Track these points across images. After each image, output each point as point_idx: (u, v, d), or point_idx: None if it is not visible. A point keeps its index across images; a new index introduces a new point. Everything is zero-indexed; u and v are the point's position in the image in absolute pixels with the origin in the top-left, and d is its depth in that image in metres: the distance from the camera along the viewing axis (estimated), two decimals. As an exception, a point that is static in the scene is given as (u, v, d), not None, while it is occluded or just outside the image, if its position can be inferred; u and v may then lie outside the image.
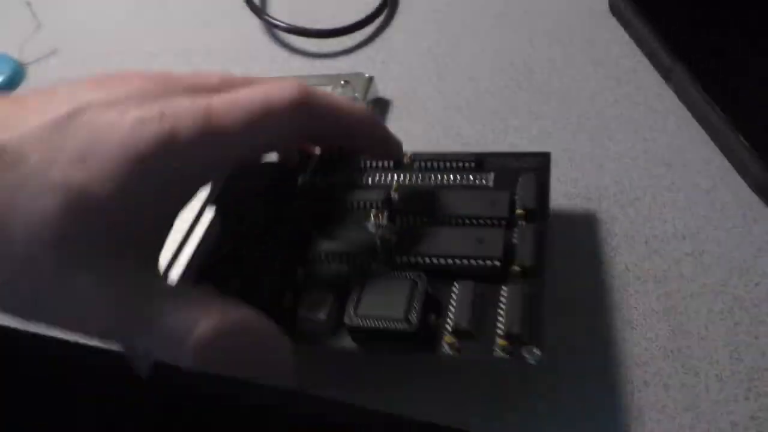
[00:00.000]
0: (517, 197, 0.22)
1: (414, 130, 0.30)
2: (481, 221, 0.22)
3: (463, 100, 0.31)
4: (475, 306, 0.20)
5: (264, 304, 0.19)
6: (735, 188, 0.26)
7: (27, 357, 0.29)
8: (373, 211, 0.23)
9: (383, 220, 0.23)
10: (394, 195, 0.24)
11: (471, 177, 0.24)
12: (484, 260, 0.20)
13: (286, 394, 0.22)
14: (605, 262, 0.24)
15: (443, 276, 0.21)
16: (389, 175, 0.25)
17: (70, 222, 0.17)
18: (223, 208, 0.24)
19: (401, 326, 0.19)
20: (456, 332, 0.19)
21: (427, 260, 0.21)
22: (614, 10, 0.33)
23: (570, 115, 0.30)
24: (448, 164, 0.24)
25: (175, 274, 0.22)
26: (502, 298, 0.20)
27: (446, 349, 0.19)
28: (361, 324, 0.20)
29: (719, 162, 0.27)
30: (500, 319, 0.19)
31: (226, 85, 0.21)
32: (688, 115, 0.28)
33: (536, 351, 0.19)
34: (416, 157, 0.25)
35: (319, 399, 0.22)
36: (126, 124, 0.18)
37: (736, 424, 0.20)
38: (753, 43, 0.29)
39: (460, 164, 0.24)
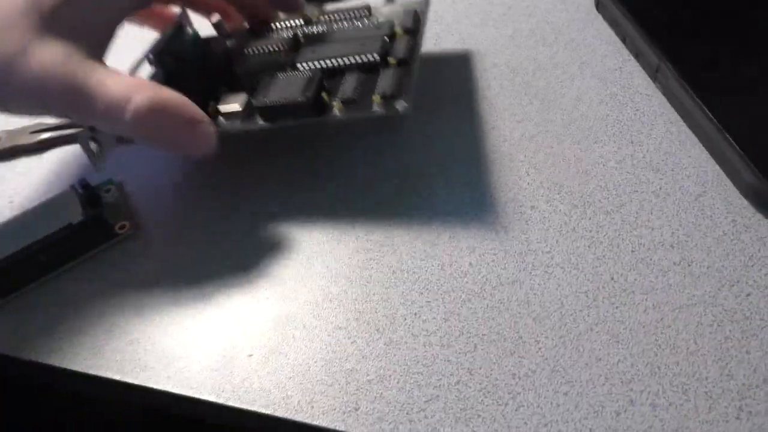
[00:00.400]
0: (396, 24, 0.28)
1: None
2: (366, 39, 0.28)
3: (445, 101, 0.30)
4: (359, 84, 0.26)
5: None
6: (725, 194, 0.25)
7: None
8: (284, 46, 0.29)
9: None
10: (300, 37, 0.30)
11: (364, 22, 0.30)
12: (365, 54, 0.26)
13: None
14: (590, 272, 0.23)
15: (336, 73, 0.27)
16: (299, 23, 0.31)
17: None
18: (163, 63, 0.27)
19: (299, 99, 0.25)
20: (343, 101, 0.25)
21: (322, 63, 0.27)
22: (601, 8, 0.32)
23: (554, 117, 0.28)
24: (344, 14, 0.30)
25: None
26: (379, 78, 0.26)
27: (335, 112, 0.25)
28: (267, 102, 0.25)
29: (709, 167, 0.26)
30: (377, 88, 0.25)
31: None
32: (677, 117, 0.27)
33: (404, 102, 0.24)
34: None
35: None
36: None
37: (727, 446, 0.19)
38: (743, 43, 0.28)
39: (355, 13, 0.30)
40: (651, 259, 0.23)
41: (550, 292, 0.23)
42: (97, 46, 0.24)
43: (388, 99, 0.25)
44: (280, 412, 0.21)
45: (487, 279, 0.23)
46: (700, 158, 0.26)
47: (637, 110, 0.28)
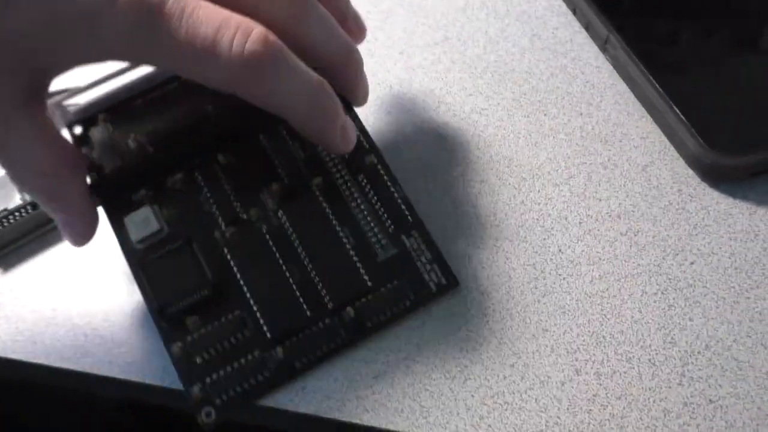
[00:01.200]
0: None
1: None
2: None
3: (393, 77, 0.29)
4: None
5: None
6: (671, 165, 0.25)
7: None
8: None
9: None
10: None
11: None
12: None
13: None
14: (538, 244, 0.23)
15: None
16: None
17: None
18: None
19: None
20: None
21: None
22: (552, -21, 0.31)
23: (504, 90, 0.28)
24: None
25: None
26: None
27: None
28: None
29: (656, 137, 0.26)
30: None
31: None
32: (626, 88, 0.27)
33: None
34: None
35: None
36: None
37: (669, 411, 0.19)
38: (692, 15, 0.28)
39: None
40: (598, 230, 0.23)
41: (498, 266, 0.23)
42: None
43: None
44: None
45: (436, 254, 0.23)
46: (647, 129, 0.26)
47: (587, 82, 0.28)
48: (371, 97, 0.25)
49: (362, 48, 0.25)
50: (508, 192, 0.25)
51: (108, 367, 0.22)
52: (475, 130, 0.27)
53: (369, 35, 0.29)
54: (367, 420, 0.20)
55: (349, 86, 0.22)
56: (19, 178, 0.19)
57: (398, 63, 0.30)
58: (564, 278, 0.22)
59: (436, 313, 0.22)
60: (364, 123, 0.25)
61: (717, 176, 0.24)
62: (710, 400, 0.20)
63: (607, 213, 0.24)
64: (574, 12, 0.30)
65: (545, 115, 0.27)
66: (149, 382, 0.21)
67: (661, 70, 0.26)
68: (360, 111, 0.25)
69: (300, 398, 0.20)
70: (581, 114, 0.27)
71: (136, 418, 0.28)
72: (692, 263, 0.22)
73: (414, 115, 0.28)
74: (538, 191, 0.25)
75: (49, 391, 0.25)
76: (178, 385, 0.20)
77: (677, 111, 0.24)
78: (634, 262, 0.22)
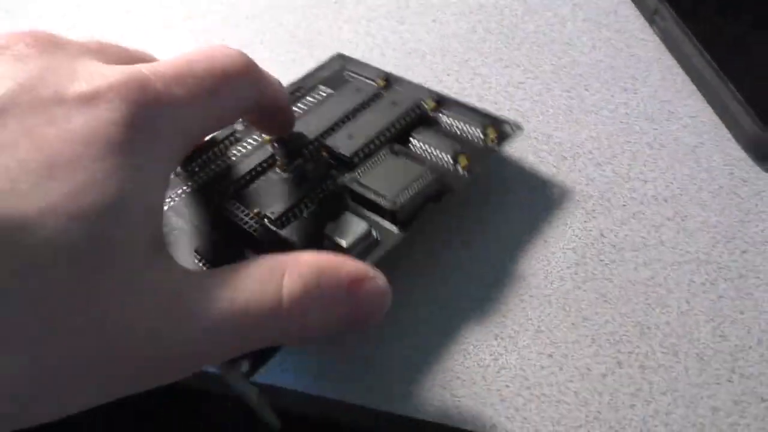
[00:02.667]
0: None
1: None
2: None
3: (425, 46, 0.28)
4: None
5: None
6: (723, 146, 0.23)
7: None
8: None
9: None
10: None
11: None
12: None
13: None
14: (578, 227, 0.22)
15: None
16: None
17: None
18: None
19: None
20: None
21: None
22: (596, -55, 0.30)
23: (543, 62, 0.27)
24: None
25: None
26: None
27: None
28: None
29: (707, 116, 0.24)
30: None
31: (129, 53, 0.17)
32: (674, 63, 0.26)
33: None
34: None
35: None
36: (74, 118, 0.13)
37: (718, 410, 0.18)
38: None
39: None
40: (643, 214, 0.22)
41: (535, 249, 0.21)
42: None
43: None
44: None
45: (470, 236, 0.22)
46: (697, 107, 0.24)
47: (632, 56, 0.26)
48: (403, 64, 0.23)
49: (393, 15, 0.24)
50: (546, 170, 0.23)
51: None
52: (511, 104, 0.25)
53: (400, 1, 0.28)
54: (395, 408, 0.19)
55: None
56: None
57: (431, 31, 0.28)
58: (606, 264, 0.21)
59: (471, 297, 0.21)
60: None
61: (773, 160, 0.22)
62: (762, 399, 0.18)
63: (653, 196, 0.22)
64: (620, -20, 0.28)
65: (587, 89, 0.26)
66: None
67: (716, 43, 0.24)
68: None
69: (323, 384, 0.19)
70: (626, 90, 0.25)
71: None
72: (744, 252, 0.21)
73: (447, 87, 0.26)
74: (579, 171, 0.23)
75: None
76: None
77: (733, 88, 0.23)
78: (681, 249, 0.21)
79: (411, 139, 0.22)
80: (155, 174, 0.15)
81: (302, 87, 0.24)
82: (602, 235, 0.22)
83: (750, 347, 0.19)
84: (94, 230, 0.13)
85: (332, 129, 0.22)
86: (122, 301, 0.13)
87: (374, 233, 0.19)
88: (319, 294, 0.15)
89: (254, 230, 0.20)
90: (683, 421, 0.18)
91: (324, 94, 0.24)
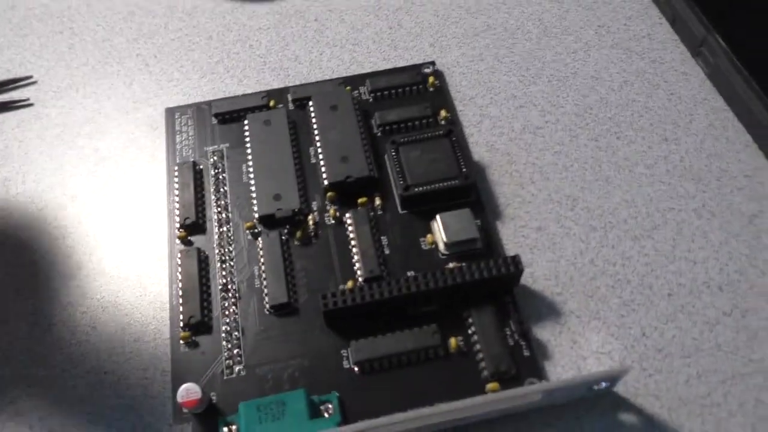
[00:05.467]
0: None
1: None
2: None
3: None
4: None
5: None
6: (787, 214, 0.19)
7: None
8: None
9: None
10: None
11: None
12: None
13: None
14: (614, 324, 0.18)
15: None
16: None
17: None
18: None
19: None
20: None
21: None
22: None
23: (565, 101, 0.22)
24: None
25: None
26: None
27: None
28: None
29: (767, 174, 0.20)
30: None
31: None
32: (725, 105, 0.21)
33: None
34: None
35: None
36: None
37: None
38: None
39: None
40: (694, 307, 0.18)
41: (566, 340, 0.17)
42: None
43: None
44: None
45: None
46: (754, 163, 0.20)
47: (672, 94, 0.22)
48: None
49: (385, 37, 0.19)
50: (573, 246, 0.19)
51: None
52: (528, 156, 0.21)
53: (392, 20, 0.23)
54: None
55: None
56: None
57: (428, 55, 0.23)
58: (650, 374, 0.17)
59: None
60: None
61: None
62: None
63: (705, 282, 0.18)
64: (661, 6, 0.23)
65: (618, 138, 0.21)
66: None
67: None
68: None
69: None
70: (666, 139, 0.21)
71: None
72: (819, 357, 0.17)
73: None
74: (613, 247, 0.19)
75: None
76: None
77: (802, 146, 0.19)
78: (743, 356, 0.17)
79: None
80: None
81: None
82: (644, 334, 0.18)
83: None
84: None
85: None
86: None
87: None
88: None
89: None
90: None
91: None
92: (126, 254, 0.20)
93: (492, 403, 0.15)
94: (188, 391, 0.16)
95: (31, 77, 0.25)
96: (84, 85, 0.24)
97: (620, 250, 0.19)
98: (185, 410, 0.16)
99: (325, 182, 0.20)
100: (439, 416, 0.15)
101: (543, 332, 0.18)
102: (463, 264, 0.17)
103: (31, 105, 0.24)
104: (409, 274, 0.18)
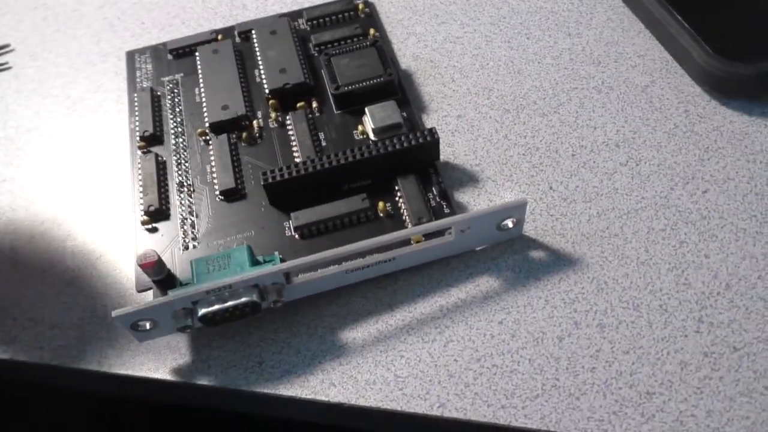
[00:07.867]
0: None
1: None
2: None
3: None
4: None
5: None
6: (676, 82, 0.22)
7: None
8: None
9: None
10: None
11: None
12: None
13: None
14: (525, 182, 0.20)
15: None
16: None
17: None
18: None
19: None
20: None
21: None
22: None
23: (480, 15, 0.25)
24: None
25: None
26: None
27: None
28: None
29: (656, 53, 0.22)
30: None
31: None
32: (619, 2, 0.24)
33: None
34: None
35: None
36: None
37: (687, 364, 0.16)
38: None
39: None
40: (594, 162, 0.20)
41: (480, 208, 0.20)
42: None
43: None
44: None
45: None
46: (645, 45, 0.23)
47: (574, -1, 0.24)
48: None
49: None
50: (489, 126, 0.22)
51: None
52: (449, 61, 0.24)
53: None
54: (333, 395, 0.17)
55: None
56: None
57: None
58: (556, 218, 0.19)
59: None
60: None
61: (728, 90, 0.21)
62: (734, 348, 0.17)
63: (604, 142, 0.21)
64: None
65: (528, 38, 0.24)
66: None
67: (659, -26, 0.22)
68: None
69: (257, 375, 0.17)
70: (569, 34, 0.24)
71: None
72: (705, 192, 0.19)
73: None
74: (524, 123, 0.21)
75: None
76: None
77: (679, 18, 0.21)
78: (637, 195, 0.19)
79: None
80: None
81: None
82: (551, 187, 0.20)
83: (718, 293, 0.17)
84: None
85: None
86: None
87: None
88: None
89: None
90: (649, 380, 0.16)
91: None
92: (94, 172, 0.22)
93: (410, 235, 0.17)
94: (146, 255, 0.18)
95: (8, 45, 0.28)
96: (56, 47, 0.27)
97: (530, 125, 0.21)
98: (146, 273, 0.18)
99: (266, 91, 0.22)
100: (366, 254, 0.17)
101: (463, 196, 0.20)
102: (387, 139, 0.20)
103: (9, 68, 0.27)
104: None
